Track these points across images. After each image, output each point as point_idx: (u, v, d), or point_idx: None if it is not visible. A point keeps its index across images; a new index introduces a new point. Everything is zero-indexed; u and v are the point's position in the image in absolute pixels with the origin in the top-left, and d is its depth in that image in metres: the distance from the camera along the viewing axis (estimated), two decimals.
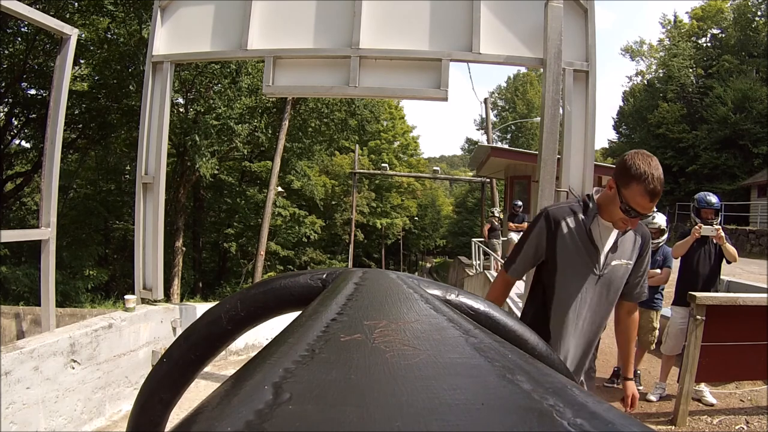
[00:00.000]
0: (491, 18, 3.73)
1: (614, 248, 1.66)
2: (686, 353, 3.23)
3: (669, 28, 28.28)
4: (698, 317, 3.14)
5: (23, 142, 15.21)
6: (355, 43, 3.75)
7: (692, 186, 21.04)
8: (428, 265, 36.70)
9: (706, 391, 3.64)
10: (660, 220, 3.94)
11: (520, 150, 15.42)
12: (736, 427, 3.25)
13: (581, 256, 1.64)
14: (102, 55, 12.95)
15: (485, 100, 18.97)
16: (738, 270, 8.04)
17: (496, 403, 0.18)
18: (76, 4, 12.32)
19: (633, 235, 1.69)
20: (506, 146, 30.81)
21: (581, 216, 1.66)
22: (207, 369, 0.48)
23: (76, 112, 13.73)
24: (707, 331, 3.15)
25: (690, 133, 24.11)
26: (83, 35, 11.84)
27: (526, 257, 1.75)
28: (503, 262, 1.84)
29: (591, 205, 1.67)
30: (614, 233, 1.66)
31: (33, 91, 13.61)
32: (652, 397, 3.69)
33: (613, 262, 1.66)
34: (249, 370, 0.22)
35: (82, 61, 13.42)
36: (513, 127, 38.02)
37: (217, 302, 0.44)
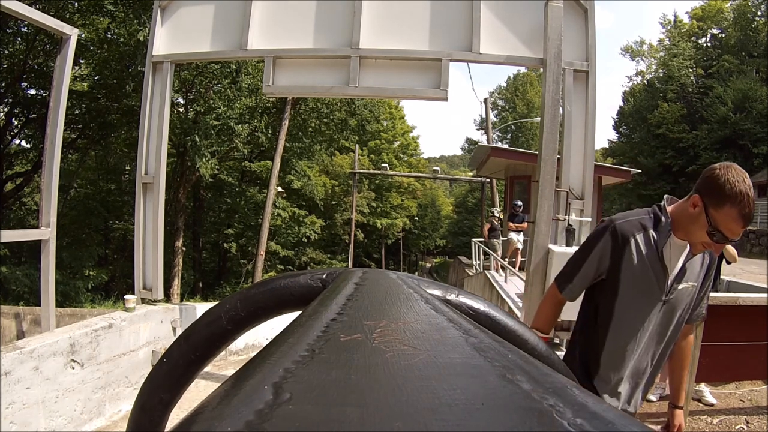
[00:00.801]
0: (491, 18, 3.73)
1: (683, 270, 1.44)
2: None
3: (669, 28, 28.30)
4: None
5: (23, 142, 15.22)
6: (355, 43, 3.75)
7: (692, 186, 21.01)
8: (428, 265, 36.70)
9: (706, 391, 3.65)
10: None
11: (520, 150, 15.41)
12: (736, 427, 3.25)
13: (647, 279, 1.42)
14: (102, 55, 12.95)
15: (485, 100, 18.97)
16: (738, 270, 8.04)
17: (496, 403, 0.18)
18: (76, 4, 12.32)
19: (701, 254, 1.48)
20: (506, 146, 30.81)
21: (652, 233, 1.43)
22: (207, 369, 0.47)
23: (76, 112, 13.74)
24: (707, 331, 3.15)
25: (690, 133, 24.13)
26: (83, 35, 11.83)
27: (585, 276, 1.52)
28: (555, 277, 1.62)
29: (664, 220, 1.43)
30: (685, 252, 1.44)
31: (33, 91, 13.62)
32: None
33: (680, 286, 1.45)
34: (249, 370, 0.22)
35: (82, 61, 13.42)
36: (513, 127, 38.03)
37: (217, 302, 0.44)
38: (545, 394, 0.19)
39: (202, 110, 14.17)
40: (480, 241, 11.30)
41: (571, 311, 3.59)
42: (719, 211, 1.29)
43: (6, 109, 13.78)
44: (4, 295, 11.50)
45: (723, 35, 26.22)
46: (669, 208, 1.45)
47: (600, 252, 1.47)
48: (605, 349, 1.49)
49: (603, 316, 1.49)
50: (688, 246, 1.43)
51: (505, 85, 43.05)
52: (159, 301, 4.16)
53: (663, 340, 1.51)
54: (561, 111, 3.56)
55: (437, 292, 0.41)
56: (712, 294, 3.35)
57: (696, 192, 1.36)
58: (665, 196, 1.52)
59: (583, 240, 3.60)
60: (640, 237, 1.43)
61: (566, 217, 3.53)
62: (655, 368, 1.55)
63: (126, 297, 3.86)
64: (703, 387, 3.63)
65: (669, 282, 1.43)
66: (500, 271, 8.94)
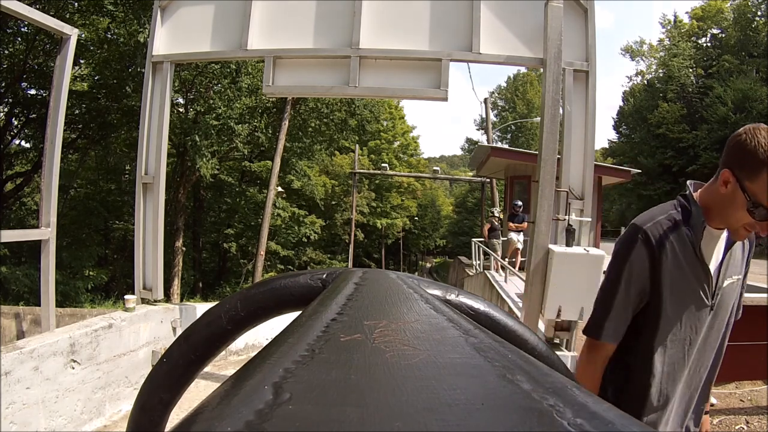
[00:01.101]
0: (491, 18, 3.73)
1: (725, 264, 1.22)
2: None
3: (669, 28, 28.32)
4: None
5: (23, 142, 15.24)
6: (355, 43, 3.75)
7: None
8: (428, 265, 36.71)
9: None
10: None
11: (520, 150, 15.42)
12: (736, 427, 3.25)
13: (689, 285, 1.19)
14: (102, 55, 12.97)
15: (485, 100, 18.99)
16: None
17: (495, 403, 0.18)
18: (76, 4, 12.33)
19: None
20: (506, 146, 30.83)
21: (685, 229, 1.19)
22: (207, 369, 0.47)
23: (76, 112, 13.74)
24: None
25: (690, 133, 24.16)
26: (83, 35, 11.84)
27: (623, 309, 1.22)
28: (585, 329, 1.31)
29: (694, 210, 1.19)
30: (721, 243, 1.22)
31: (33, 91, 13.62)
32: None
33: (726, 283, 1.23)
34: (249, 370, 0.22)
35: (82, 61, 13.43)
36: (513, 127, 38.05)
37: (217, 302, 0.44)
38: (545, 394, 0.19)
39: (202, 110, 14.18)
40: (480, 241, 11.30)
41: (570, 311, 3.58)
42: (756, 182, 1.06)
43: (6, 109, 13.79)
44: (4, 295, 11.50)
45: (723, 35, 26.24)
46: (696, 195, 1.22)
47: (638, 267, 1.20)
48: (654, 378, 1.23)
49: (646, 341, 1.23)
50: (724, 235, 1.21)
51: (505, 85, 43.10)
52: (159, 301, 4.16)
53: (714, 349, 1.28)
54: (561, 111, 3.56)
55: (437, 292, 0.41)
56: None
57: (724, 167, 1.13)
58: (688, 182, 1.27)
59: (582, 241, 3.61)
60: (674, 237, 1.19)
61: (566, 217, 3.53)
62: (708, 381, 1.32)
63: (126, 297, 3.86)
64: None
65: (713, 283, 1.21)
66: (500, 271, 8.94)
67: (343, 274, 0.41)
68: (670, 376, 1.24)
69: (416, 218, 34.57)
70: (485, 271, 9.42)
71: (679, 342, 1.22)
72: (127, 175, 16.78)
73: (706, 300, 1.21)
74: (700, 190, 1.23)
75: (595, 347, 1.27)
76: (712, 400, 3.62)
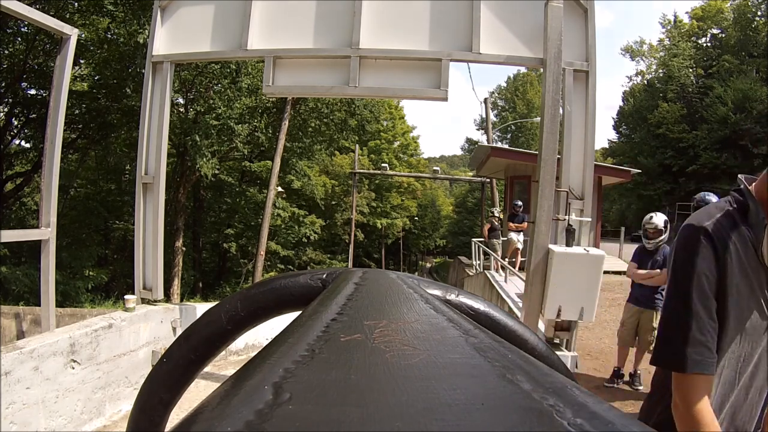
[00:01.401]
0: (491, 18, 3.73)
1: None
2: None
3: (669, 28, 28.33)
4: None
5: (23, 142, 15.22)
6: (355, 43, 3.75)
7: (692, 186, 21.11)
8: (428, 265, 36.70)
9: None
10: (658, 220, 3.97)
11: (520, 150, 15.42)
12: None
13: (753, 293, 1.02)
14: (102, 55, 12.97)
15: (485, 100, 18.98)
16: None
17: (495, 403, 0.18)
18: (76, 4, 12.32)
19: None
20: (506, 146, 30.84)
21: (744, 229, 1.02)
22: (207, 369, 0.47)
23: (76, 112, 13.74)
24: None
25: (690, 133, 24.16)
26: (83, 35, 11.84)
27: (710, 326, 1.00)
28: (658, 358, 1.08)
29: (752, 206, 1.03)
30: None
31: (33, 91, 13.62)
32: None
33: None
34: (249, 370, 0.22)
35: (82, 61, 13.43)
36: (513, 127, 38.05)
37: (217, 302, 0.44)
38: (545, 394, 0.19)
39: (202, 110, 14.17)
40: (480, 241, 11.30)
41: (570, 311, 3.57)
42: None
43: (6, 109, 13.79)
44: (4, 295, 11.49)
45: (723, 35, 26.26)
46: (751, 188, 1.05)
47: (708, 272, 1.01)
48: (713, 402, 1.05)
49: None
50: None
51: (505, 85, 43.11)
52: (159, 301, 4.16)
53: None
54: (561, 111, 3.56)
55: (437, 292, 0.41)
56: None
57: None
58: (740, 177, 1.09)
59: (582, 241, 3.61)
60: (736, 237, 1.02)
61: (566, 217, 3.53)
62: (764, 409, 1.14)
63: (126, 297, 3.86)
64: None
65: None
66: (500, 271, 8.94)
67: (343, 274, 0.41)
68: (717, 399, 1.07)
69: (416, 218, 34.57)
70: (485, 271, 9.42)
71: (734, 360, 1.04)
72: (127, 175, 16.78)
73: (765, 307, 1.03)
74: (754, 183, 1.06)
75: (688, 384, 1.01)
76: None
